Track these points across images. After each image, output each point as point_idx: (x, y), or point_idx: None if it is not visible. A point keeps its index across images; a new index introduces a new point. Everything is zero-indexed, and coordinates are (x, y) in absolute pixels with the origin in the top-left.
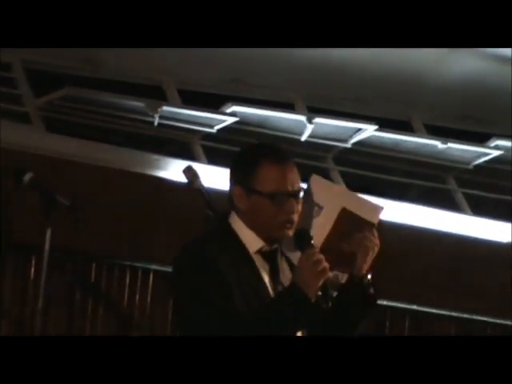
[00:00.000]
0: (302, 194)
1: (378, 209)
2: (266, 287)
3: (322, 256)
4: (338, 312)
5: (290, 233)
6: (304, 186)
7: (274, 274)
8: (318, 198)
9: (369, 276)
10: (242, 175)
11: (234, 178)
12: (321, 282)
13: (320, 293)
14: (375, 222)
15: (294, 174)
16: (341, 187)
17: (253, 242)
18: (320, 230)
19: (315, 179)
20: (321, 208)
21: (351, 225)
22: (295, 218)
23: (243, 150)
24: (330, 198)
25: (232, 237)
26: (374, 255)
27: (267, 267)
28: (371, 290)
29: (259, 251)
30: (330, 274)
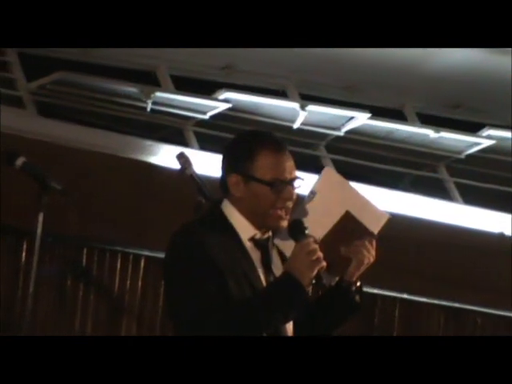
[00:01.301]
0: (297, 182)
1: (382, 217)
2: (258, 275)
3: (316, 246)
4: (319, 310)
5: (285, 223)
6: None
7: (266, 263)
8: (323, 189)
9: (358, 283)
10: (240, 162)
11: (229, 165)
12: (315, 272)
13: (314, 282)
14: (376, 232)
15: (291, 163)
16: (351, 188)
17: (246, 229)
18: (317, 225)
19: (330, 172)
20: (313, 194)
21: (352, 230)
22: (291, 205)
23: (239, 137)
24: (336, 195)
25: (225, 223)
26: (368, 266)
27: (259, 255)
28: (357, 298)
29: (252, 239)
30: (324, 264)
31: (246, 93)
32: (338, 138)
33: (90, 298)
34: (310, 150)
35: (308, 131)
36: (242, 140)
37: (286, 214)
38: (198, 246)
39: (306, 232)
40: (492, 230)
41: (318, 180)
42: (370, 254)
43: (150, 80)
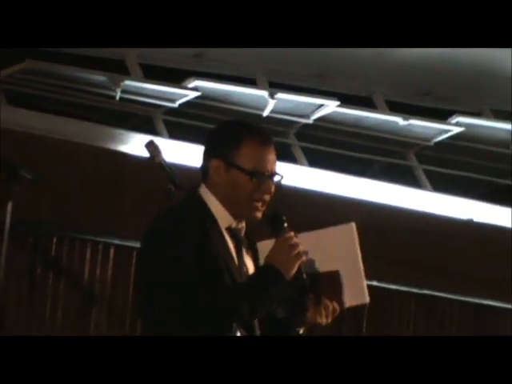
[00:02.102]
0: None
1: (361, 298)
2: (235, 264)
3: (297, 240)
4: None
5: (260, 215)
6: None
7: (239, 253)
8: (335, 235)
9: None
10: (224, 148)
11: (212, 151)
12: (296, 265)
13: (294, 275)
14: (347, 305)
15: (274, 157)
16: (357, 256)
17: (224, 217)
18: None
19: (352, 228)
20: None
21: (330, 287)
22: (268, 199)
23: (227, 124)
24: (341, 250)
25: (204, 210)
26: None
27: (233, 245)
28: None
29: (228, 228)
30: (305, 259)
31: (215, 81)
32: (307, 125)
33: (60, 287)
34: (279, 137)
35: (277, 119)
36: (229, 127)
37: (262, 206)
38: (180, 232)
39: (285, 225)
40: (461, 216)
41: (339, 227)
42: (325, 320)
43: (119, 68)
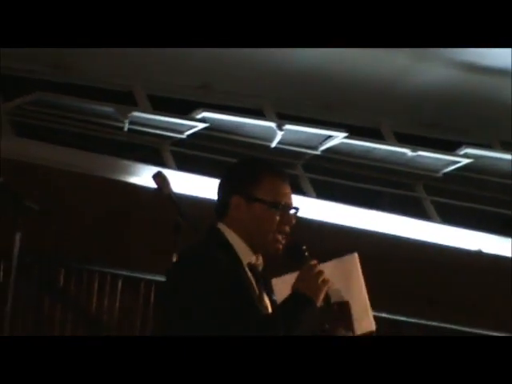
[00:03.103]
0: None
1: (369, 327)
2: (259, 300)
3: (321, 267)
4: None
5: (281, 247)
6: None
7: (260, 289)
8: (342, 266)
9: None
10: (243, 184)
11: (232, 187)
12: (324, 293)
13: (322, 303)
14: (356, 333)
15: (290, 190)
16: (360, 283)
17: (246, 253)
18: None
19: (355, 259)
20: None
21: (344, 316)
22: (289, 230)
23: (242, 161)
24: (345, 280)
25: (228, 247)
26: None
27: (254, 281)
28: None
29: (249, 264)
30: (331, 285)
31: (223, 112)
32: (315, 156)
33: (68, 319)
34: (287, 169)
35: (285, 150)
36: (245, 163)
37: (283, 239)
38: (208, 270)
39: (306, 254)
40: (470, 247)
41: (342, 258)
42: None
43: (126, 100)
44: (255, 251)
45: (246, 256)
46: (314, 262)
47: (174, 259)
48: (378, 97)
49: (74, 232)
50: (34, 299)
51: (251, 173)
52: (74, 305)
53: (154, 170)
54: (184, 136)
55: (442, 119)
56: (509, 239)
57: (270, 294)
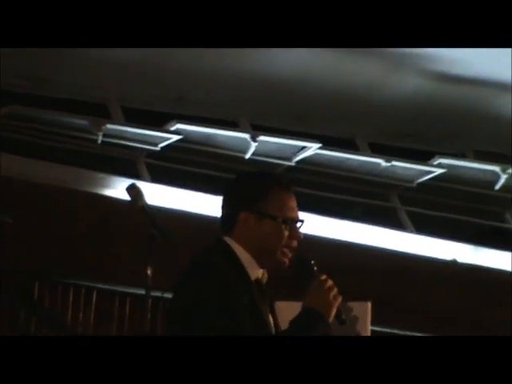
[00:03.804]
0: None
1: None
2: (262, 314)
3: (331, 282)
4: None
5: (288, 261)
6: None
7: (269, 304)
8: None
9: None
10: (252, 200)
11: (238, 203)
12: (336, 307)
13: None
14: None
15: (296, 203)
16: (367, 331)
17: (253, 268)
18: None
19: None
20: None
21: (363, 318)
22: (296, 245)
23: (247, 176)
24: (352, 324)
25: (236, 262)
26: None
27: (259, 296)
28: None
29: (256, 279)
30: (341, 299)
31: (197, 124)
32: (289, 167)
33: (43, 332)
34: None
35: (259, 161)
36: (251, 178)
37: (290, 252)
38: (221, 279)
39: (315, 269)
40: (444, 257)
41: (355, 303)
42: None
43: (100, 112)
44: (262, 266)
45: (254, 271)
46: (324, 276)
47: (149, 272)
48: (352, 108)
49: (48, 245)
50: (8, 313)
51: (260, 188)
52: (49, 318)
53: (129, 182)
54: (158, 148)
55: (415, 129)
56: (483, 249)
57: (273, 311)
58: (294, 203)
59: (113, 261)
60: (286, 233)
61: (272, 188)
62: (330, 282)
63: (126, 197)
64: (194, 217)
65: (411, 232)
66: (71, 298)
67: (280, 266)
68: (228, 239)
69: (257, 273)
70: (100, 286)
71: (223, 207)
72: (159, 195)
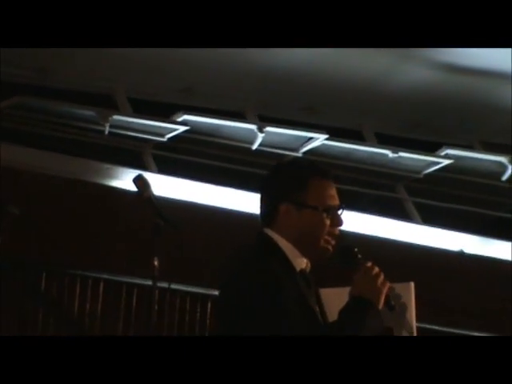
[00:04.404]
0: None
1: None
2: (311, 305)
3: (378, 268)
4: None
5: (331, 249)
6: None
7: (315, 293)
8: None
9: None
10: (292, 191)
11: (279, 195)
12: (384, 293)
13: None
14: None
15: (335, 189)
16: (412, 312)
17: (297, 259)
18: None
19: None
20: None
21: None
22: (338, 232)
23: (285, 167)
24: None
25: (279, 254)
26: None
27: (305, 286)
28: None
29: (301, 270)
30: (388, 284)
31: (204, 115)
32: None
33: (50, 322)
34: (268, 171)
35: (266, 152)
36: (290, 169)
37: (333, 240)
38: (268, 277)
39: (359, 256)
40: (451, 248)
41: (398, 284)
42: None
43: (107, 103)
44: (305, 256)
45: (298, 261)
46: (370, 263)
47: (156, 263)
48: (359, 98)
49: (56, 236)
50: (16, 304)
51: (299, 178)
52: (56, 308)
53: (135, 173)
54: (165, 139)
55: (422, 120)
56: (490, 239)
57: (319, 299)
58: (333, 190)
59: (119, 252)
60: (328, 221)
61: (311, 177)
62: (376, 269)
63: (133, 188)
64: (201, 208)
65: (418, 223)
66: (78, 289)
67: (324, 254)
68: (269, 231)
69: (301, 263)
70: (107, 276)
71: (262, 200)
72: (166, 186)
